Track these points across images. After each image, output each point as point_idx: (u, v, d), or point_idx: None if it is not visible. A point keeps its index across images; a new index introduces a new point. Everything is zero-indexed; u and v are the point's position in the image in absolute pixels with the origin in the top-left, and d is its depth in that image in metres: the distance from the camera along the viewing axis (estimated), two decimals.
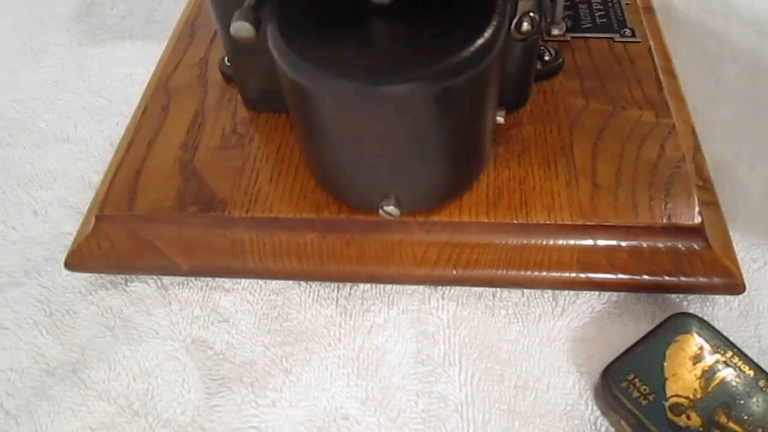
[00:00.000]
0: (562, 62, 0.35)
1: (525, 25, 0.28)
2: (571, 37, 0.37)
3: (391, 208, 0.28)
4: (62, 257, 0.33)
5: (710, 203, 0.32)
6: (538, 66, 0.35)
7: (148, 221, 0.32)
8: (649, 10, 0.41)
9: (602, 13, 0.39)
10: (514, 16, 0.28)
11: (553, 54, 0.35)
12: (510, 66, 0.31)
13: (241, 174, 0.33)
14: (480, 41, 0.24)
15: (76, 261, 0.33)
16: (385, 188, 0.28)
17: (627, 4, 0.40)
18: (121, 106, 0.43)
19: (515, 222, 0.30)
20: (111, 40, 0.48)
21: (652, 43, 0.38)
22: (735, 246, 0.31)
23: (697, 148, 0.34)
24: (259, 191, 0.32)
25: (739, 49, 0.43)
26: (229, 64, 0.36)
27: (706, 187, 0.32)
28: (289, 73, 0.25)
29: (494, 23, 0.25)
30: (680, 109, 0.36)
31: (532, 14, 0.28)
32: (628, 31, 0.38)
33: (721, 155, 0.37)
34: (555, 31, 0.29)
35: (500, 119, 0.31)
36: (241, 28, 0.27)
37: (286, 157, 0.33)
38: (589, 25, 0.38)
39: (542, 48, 0.35)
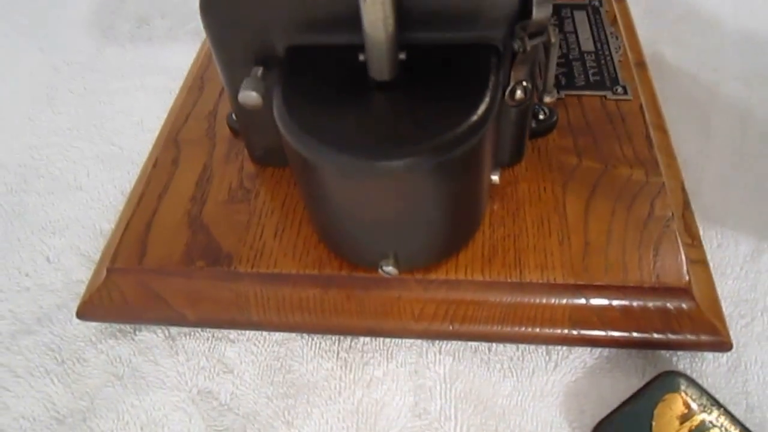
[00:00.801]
0: (557, 120, 0.37)
1: (518, 94, 0.30)
2: (565, 95, 0.39)
3: (390, 268, 0.29)
4: (74, 305, 0.35)
5: (699, 261, 0.33)
6: (533, 124, 0.36)
7: (158, 274, 0.33)
8: (642, 65, 0.43)
9: (595, 70, 0.40)
10: (507, 85, 0.30)
11: (548, 113, 0.37)
12: (505, 128, 0.33)
13: (247, 229, 0.34)
14: (474, 118, 0.25)
15: (87, 311, 0.34)
16: (384, 249, 0.29)
17: (620, 61, 0.41)
18: (132, 154, 0.44)
19: (509, 281, 0.31)
20: (123, 88, 0.50)
21: (643, 100, 0.39)
22: (723, 302, 0.32)
23: (686, 205, 0.35)
24: (264, 246, 0.33)
25: (730, 102, 0.45)
26: (236, 119, 0.38)
27: (694, 245, 0.33)
28: (292, 143, 0.26)
29: (487, 99, 0.26)
30: (670, 166, 0.37)
31: (525, 83, 0.30)
32: (620, 89, 0.39)
33: (711, 209, 0.38)
34: (547, 99, 0.30)
35: (495, 179, 0.32)
36: (248, 97, 0.28)
37: (290, 212, 0.35)
38: (583, 83, 0.39)
39: (537, 107, 0.37)
